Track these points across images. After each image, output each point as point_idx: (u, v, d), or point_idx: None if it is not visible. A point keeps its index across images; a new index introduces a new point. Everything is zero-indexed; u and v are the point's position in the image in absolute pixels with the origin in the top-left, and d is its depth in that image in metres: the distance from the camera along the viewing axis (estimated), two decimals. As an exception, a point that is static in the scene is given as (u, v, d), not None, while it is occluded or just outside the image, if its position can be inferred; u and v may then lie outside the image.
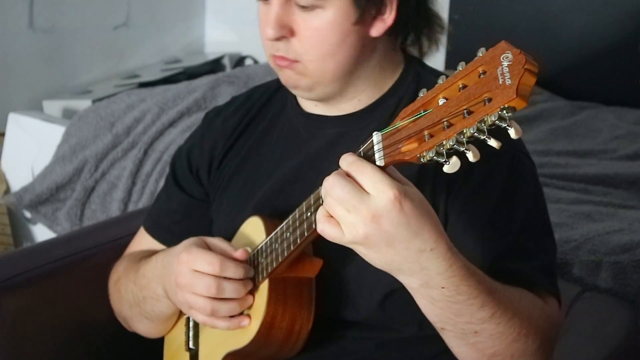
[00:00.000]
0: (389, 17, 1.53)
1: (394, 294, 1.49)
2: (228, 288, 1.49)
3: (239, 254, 1.52)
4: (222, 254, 1.53)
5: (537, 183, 1.54)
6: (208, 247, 1.55)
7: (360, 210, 1.16)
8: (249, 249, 1.54)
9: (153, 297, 1.66)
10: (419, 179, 1.44)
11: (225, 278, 1.50)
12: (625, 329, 1.99)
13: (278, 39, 1.49)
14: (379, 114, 1.56)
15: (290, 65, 1.51)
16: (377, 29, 1.53)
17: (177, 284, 1.53)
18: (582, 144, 3.18)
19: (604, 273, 2.21)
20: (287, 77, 1.54)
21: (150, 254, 1.74)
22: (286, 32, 1.49)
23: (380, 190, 1.16)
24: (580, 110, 3.54)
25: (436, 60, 1.69)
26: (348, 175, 1.18)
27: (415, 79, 1.59)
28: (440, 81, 1.15)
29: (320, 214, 1.22)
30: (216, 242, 1.57)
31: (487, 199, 1.46)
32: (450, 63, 3.76)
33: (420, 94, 1.17)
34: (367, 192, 1.16)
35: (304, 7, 1.47)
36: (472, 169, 1.41)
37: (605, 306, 2.06)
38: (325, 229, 1.21)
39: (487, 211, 1.46)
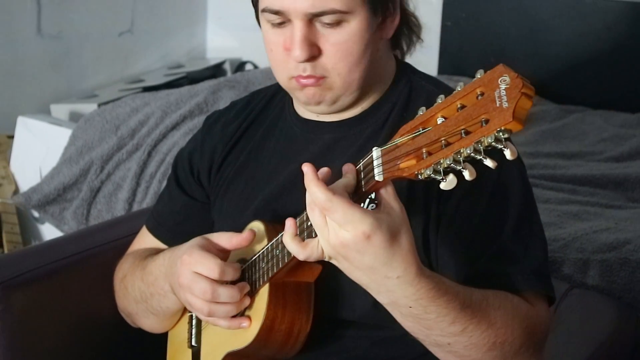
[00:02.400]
0: (395, 18, 1.53)
1: None
2: (223, 294, 1.49)
3: (246, 235, 1.52)
4: (227, 241, 1.53)
5: (527, 184, 1.53)
6: (212, 245, 1.54)
7: (330, 237, 1.19)
8: (255, 230, 1.53)
9: (160, 294, 1.66)
10: (409, 188, 1.44)
11: (222, 283, 1.50)
12: (611, 324, 1.99)
13: (308, 59, 1.46)
14: (373, 120, 1.56)
15: (317, 82, 1.48)
16: (387, 32, 1.53)
17: (179, 284, 1.53)
18: (570, 146, 3.19)
19: (591, 270, 2.21)
20: (311, 95, 1.51)
21: (156, 251, 1.74)
22: (315, 51, 1.45)
23: (351, 227, 1.17)
24: (569, 113, 3.54)
25: (430, 65, 1.69)
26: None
27: (407, 84, 1.59)
28: (439, 100, 1.15)
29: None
30: (219, 235, 1.56)
31: (477, 201, 1.45)
32: (443, 68, 3.76)
33: (420, 112, 1.17)
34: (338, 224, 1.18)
35: (328, 24, 1.44)
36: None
37: (592, 302, 2.06)
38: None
39: (477, 214, 1.45)
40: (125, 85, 3.89)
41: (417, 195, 1.46)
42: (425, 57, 3.81)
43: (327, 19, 1.44)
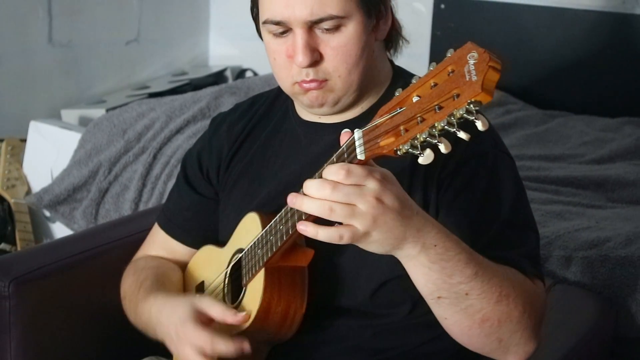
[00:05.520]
0: (388, 19, 1.55)
1: (387, 283, 1.49)
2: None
3: (240, 317, 1.48)
4: (220, 315, 1.50)
5: (518, 179, 1.55)
6: (203, 316, 1.51)
7: (365, 198, 1.20)
8: (252, 315, 1.49)
9: (153, 332, 1.64)
10: (411, 177, 1.46)
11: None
12: (592, 318, 1.99)
13: (310, 64, 1.47)
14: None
15: (320, 85, 1.49)
16: (382, 33, 1.55)
17: (181, 356, 1.51)
18: (553, 149, 3.18)
19: (573, 267, 2.21)
20: (314, 98, 1.52)
21: (153, 272, 1.74)
22: (316, 56, 1.47)
23: (370, 175, 1.20)
24: (552, 118, 3.54)
25: (421, 73, 1.69)
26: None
27: (405, 86, 1.59)
28: (413, 81, 1.16)
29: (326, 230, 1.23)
30: (210, 306, 1.51)
31: (473, 195, 1.47)
32: (433, 75, 3.76)
33: (397, 93, 1.19)
34: (360, 185, 1.20)
35: (327, 30, 1.46)
36: (459, 167, 1.43)
37: (574, 297, 2.06)
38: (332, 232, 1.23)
39: (474, 206, 1.47)
40: (132, 92, 3.88)
41: (417, 189, 1.47)
42: (416, 65, 3.82)
43: (326, 24, 1.45)
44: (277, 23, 1.47)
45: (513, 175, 1.53)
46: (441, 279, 1.31)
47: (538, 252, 1.52)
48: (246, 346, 1.46)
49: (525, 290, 1.39)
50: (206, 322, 1.50)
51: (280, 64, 1.51)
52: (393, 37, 1.60)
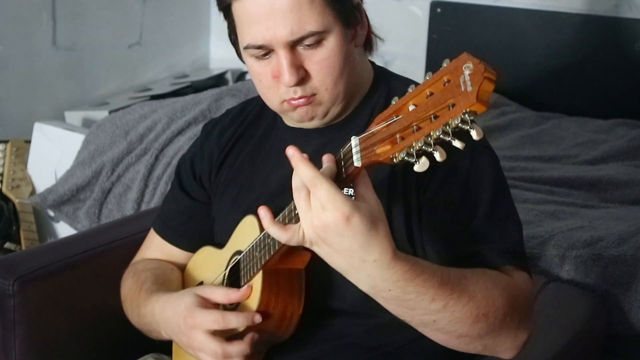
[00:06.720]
0: (364, 24, 1.54)
1: None
2: (233, 351, 1.47)
3: (243, 291, 1.51)
4: (224, 297, 1.52)
5: (499, 171, 1.52)
6: (206, 301, 1.53)
7: (313, 219, 1.19)
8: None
9: (157, 331, 1.64)
10: (390, 177, 1.45)
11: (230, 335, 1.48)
12: (585, 315, 1.99)
13: (297, 83, 1.46)
14: (356, 123, 1.56)
15: (308, 100, 1.49)
16: (360, 39, 1.54)
17: (190, 346, 1.51)
18: (547, 150, 3.18)
19: (567, 266, 2.21)
20: (303, 113, 1.51)
21: (152, 273, 1.74)
22: (302, 73, 1.46)
23: (332, 206, 1.17)
24: (546, 120, 3.54)
25: (417, 75, 1.69)
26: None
27: (386, 86, 1.59)
28: (410, 90, 1.16)
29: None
30: (212, 291, 1.54)
31: (452, 190, 1.46)
32: (430, 77, 3.76)
33: (393, 102, 1.19)
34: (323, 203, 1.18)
35: (309, 46, 1.45)
36: (437, 163, 1.41)
37: (568, 295, 2.06)
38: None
39: (453, 201, 1.45)
40: (134, 94, 3.89)
41: (397, 188, 1.46)
42: (413, 68, 3.82)
43: (307, 41, 1.44)
44: (259, 47, 1.46)
45: (493, 169, 1.51)
46: (400, 310, 1.30)
47: (521, 242, 1.49)
48: (257, 317, 1.47)
49: (506, 296, 1.36)
50: (211, 308, 1.51)
51: (267, 84, 1.50)
52: (370, 38, 1.60)
